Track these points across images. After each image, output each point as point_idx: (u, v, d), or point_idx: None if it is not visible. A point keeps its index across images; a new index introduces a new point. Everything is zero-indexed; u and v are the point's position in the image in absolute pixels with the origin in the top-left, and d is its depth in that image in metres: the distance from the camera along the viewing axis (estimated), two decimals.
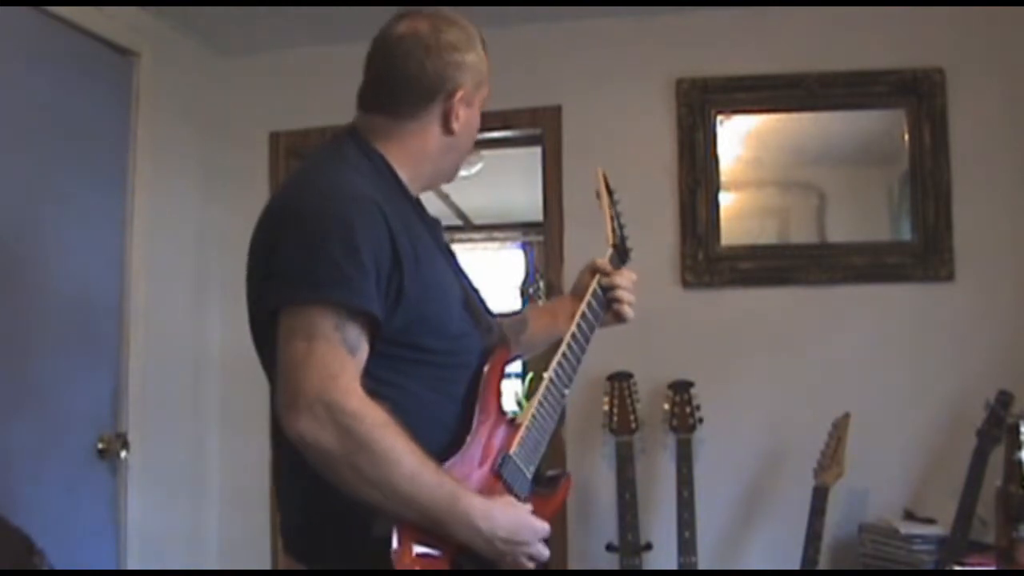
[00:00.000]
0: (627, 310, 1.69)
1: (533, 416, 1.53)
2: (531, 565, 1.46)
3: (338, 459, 1.29)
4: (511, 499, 1.44)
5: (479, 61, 1.53)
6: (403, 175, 1.49)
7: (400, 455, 1.29)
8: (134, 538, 2.60)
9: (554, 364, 1.58)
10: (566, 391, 1.58)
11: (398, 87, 1.47)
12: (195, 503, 3.02)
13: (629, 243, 1.80)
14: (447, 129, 1.49)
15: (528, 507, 1.44)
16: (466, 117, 1.52)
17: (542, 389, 1.57)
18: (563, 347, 1.60)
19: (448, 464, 1.37)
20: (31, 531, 1.58)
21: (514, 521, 1.40)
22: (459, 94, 1.48)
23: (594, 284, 1.68)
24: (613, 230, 1.77)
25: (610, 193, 1.82)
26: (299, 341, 1.28)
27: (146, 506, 2.66)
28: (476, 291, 1.61)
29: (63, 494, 2.39)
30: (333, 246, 1.29)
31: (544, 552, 1.47)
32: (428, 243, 1.46)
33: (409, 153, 1.50)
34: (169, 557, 2.79)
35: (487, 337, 1.52)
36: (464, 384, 1.47)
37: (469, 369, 1.48)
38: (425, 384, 1.44)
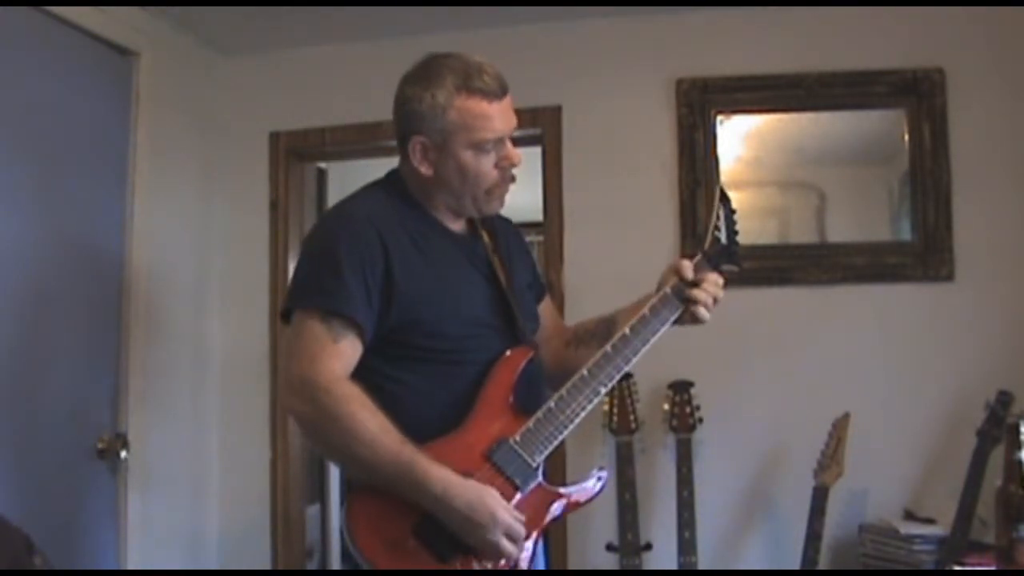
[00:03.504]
0: (702, 311, 1.67)
1: (549, 408, 1.60)
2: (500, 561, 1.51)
3: (312, 427, 1.56)
4: (489, 488, 1.50)
5: (437, 110, 1.59)
6: (419, 198, 1.69)
7: (361, 424, 1.49)
8: (134, 538, 2.60)
9: (592, 361, 1.63)
10: (602, 388, 1.62)
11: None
12: (195, 503, 3.02)
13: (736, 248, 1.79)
14: (418, 168, 1.64)
15: (496, 495, 1.50)
16: (440, 160, 1.63)
17: (569, 383, 1.61)
18: (608, 346, 1.64)
19: (434, 443, 1.52)
20: (31, 531, 1.57)
21: (473, 497, 1.49)
22: (415, 139, 1.63)
23: (668, 285, 1.68)
24: (713, 237, 1.76)
25: (723, 201, 1.80)
26: (293, 336, 1.60)
27: (146, 506, 2.66)
28: (519, 297, 1.72)
29: (63, 494, 2.39)
30: (320, 264, 1.60)
31: (510, 548, 1.50)
32: (442, 256, 1.65)
33: (412, 182, 1.69)
34: (169, 557, 2.79)
35: (513, 339, 1.67)
36: (469, 379, 1.62)
37: (477, 366, 1.63)
38: (423, 377, 1.60)
